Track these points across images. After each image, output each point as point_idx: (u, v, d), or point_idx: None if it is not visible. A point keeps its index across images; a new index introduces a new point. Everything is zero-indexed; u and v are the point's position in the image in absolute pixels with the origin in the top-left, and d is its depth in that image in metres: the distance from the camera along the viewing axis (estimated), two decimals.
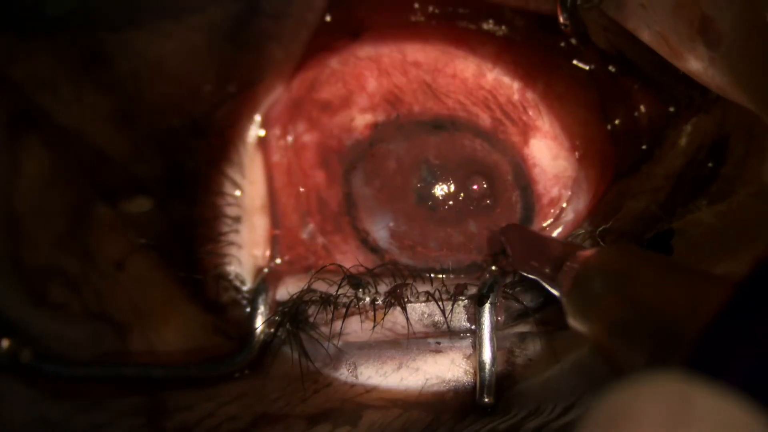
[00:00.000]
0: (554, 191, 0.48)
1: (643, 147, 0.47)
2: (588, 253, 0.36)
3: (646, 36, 0.37)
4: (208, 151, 0.47)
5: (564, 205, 0.48)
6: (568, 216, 0.48)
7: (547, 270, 0.38)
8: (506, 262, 0.46)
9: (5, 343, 0.44)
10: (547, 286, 0.40)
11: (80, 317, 0.46)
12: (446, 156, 0.49)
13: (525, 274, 0.43)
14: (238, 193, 0.48)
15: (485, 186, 0.49)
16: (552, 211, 0.48)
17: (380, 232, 0.49)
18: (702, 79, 0.33)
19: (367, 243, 0.49)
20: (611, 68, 0.48)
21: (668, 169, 0.44)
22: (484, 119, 0.49)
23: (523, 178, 0.48)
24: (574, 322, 0.35)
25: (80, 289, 0.47)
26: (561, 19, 0.46)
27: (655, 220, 0.42)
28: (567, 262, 0.36)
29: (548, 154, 0.48)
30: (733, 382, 0.19)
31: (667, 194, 0.43)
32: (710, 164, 0.41)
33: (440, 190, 0.49)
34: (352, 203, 0.49)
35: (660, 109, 0.47)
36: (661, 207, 0.42)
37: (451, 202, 0.49)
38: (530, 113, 0.49)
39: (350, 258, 0.49)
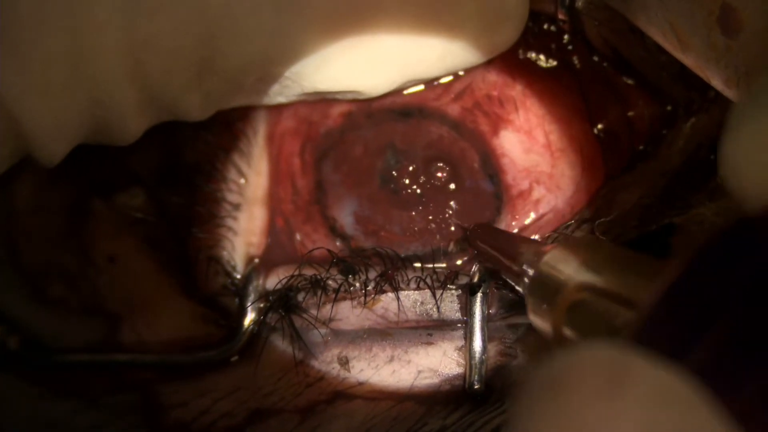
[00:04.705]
0: (524, 184, 0.46)
1: (640, 148, 0.45)
2: (550, 246, 0.35)
3: (650, 27, 0.35)
4: (213, 142, 0.45)
5: (536, 198, 0.46)
6: (545, 209, 0.45)
7: (514, 267, 0.37)
8: (474, 258, 0.44)
9: None
10: (514, 284, 0.39)
11: (77, 312, 0.45)
12: (412, 142, 0.46)
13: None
14: (242, 181, 0.46)
15: (449, 171, 0.46)
16: (523, 203, 0.46)
17: (347, 218, 0.46)
18: (711, 70, 0.32)
19: (335, 231, 0.46)
20: (604, 67, 0.46)
21: (666, 166, 0.42)
22: (454, 108, 0.46)
23: (490, 167, 0.46)
24: (535, 317, 0.34)
25: (77, 284, 0.45)
26: (560, 15, 0.45)
27: (650, 212, 0.41)
28: (530, 257, 0.36)
29: (519, 147, 0.46)
30: (671, 354, 0.19)
31: (663, 188, 0.42)
32: (711, 161, 0.40)
33: (403, 174, 0.46)
34: (323, 191, 0.47)
35: (656, 110, 0.45)
36: (658, 200, 0.41)
37: (414, 187, 0.46)
38: (506, 107, 0.46)
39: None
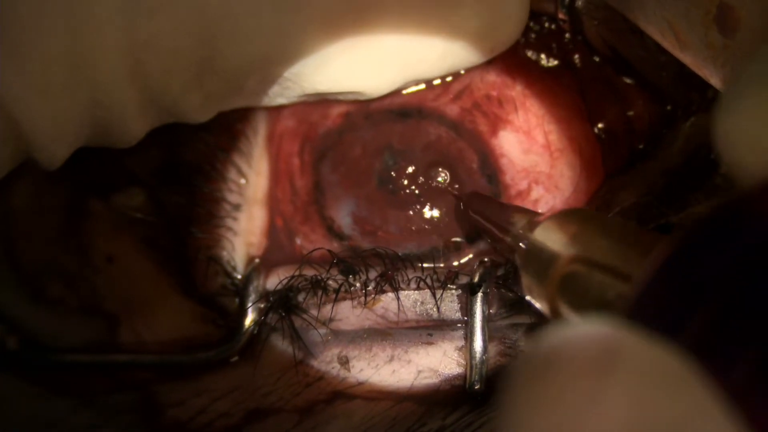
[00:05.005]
0: (523, 184, 0.46)
1: (639, 147, 0.45)
2: (543, 218, 0.34)
3: (649, 25, 0.35)
4: (213, 142, 0.45)
5: (535, 198, 0.46)
6: (543, 210, 0.45)
7: (507, 239, 0.37)
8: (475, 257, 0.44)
9: None
10: (507, 257, 0.38)
11: (76, 312, 0.45)
12: (410, 142, 0.46)
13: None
14: (243, 181, 0.46)
15: (447, 172, 0.46)
16: (521, 203, 0.45)
17: (344, 218, 0.46)
18: (709, 69, 0.32)
19: (333, 231, 0.46)
20: (604, 67, 0.47)
21: (665, 166, 0.43)
22: (453, 109, 0.46)
23: (489, 167, 0.46)
24: (529, 292, 0.33)
25: (76, 284, 0.45)
26: (560, 15, 0.45)
27: (649, 211, 0.41)
28: (523, 228, 0.35)
29: (518, 147, 0.46)
30: (663, 330, 0.18)
31: (662, 188, 0.42)
32: (710, 161, 0.40)
33: (401, 174, 0.46)
34: (321, 191, 0.47)
35: (656, 110, 0.45)
36: (657, 199, 0.41)
37: (412, 187, 0.46)
38: (505, 107, 0.46)
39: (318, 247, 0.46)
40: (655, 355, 0.18)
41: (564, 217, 0.32)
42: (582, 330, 0.19)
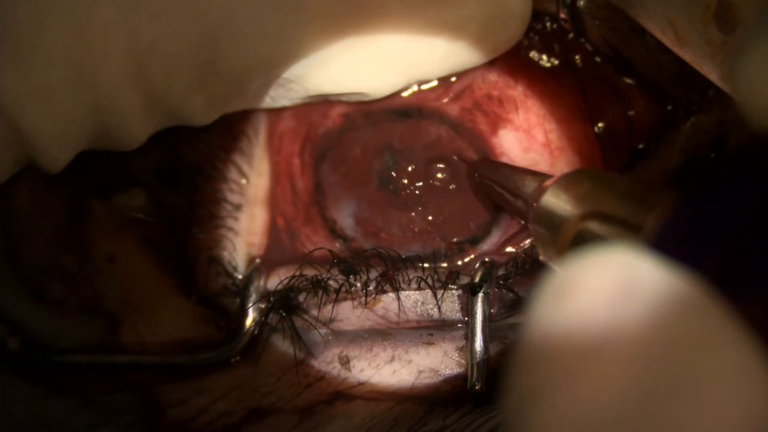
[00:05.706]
0: None
1: (640, 146, 0.46)
2: (553, 179, 0.34)
3: (649, 23, 0.35)
4: (214, 142, 0.45)
5: None
6: None
7: (518, 203, 0.37)
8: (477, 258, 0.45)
9: None
10: (521, 220, 0.39)
11: (77, 312, 0.45)
12: (410, 142, 0.46)
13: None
14: (243, 181, 0.46)
15: (447, 171, 0.46)
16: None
17: (346, 219, 0.46)
18: (707, 66, 0.32)
19: (335, 232, 0.46)
20: (605, 68, 0.47)
21: (666, 165, 0.43)
22: (453, 108, 0.47)
23: None
24: (543, 254, 0.33)
25: (77, 284, 0.45)
26: (561, 15, 0.45)
27: None
28: (534, 191, 0.35)
29: (518, 146, 0.46)
30: (682, 259, 0.18)
31: (662, 188, 0.42)
32: (711, 161, 0.40)
33: (402, 175, 0.46)
34: (322, 192, 0.47)
35: (656, 109, 0.45)
36: None
37: (412, 188, 0.46)
38: (505, 106, 0.46)
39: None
40: (674, 281, 0.18)
41: (574, 177, 0.32)
42: (601, 257, 0.19)
